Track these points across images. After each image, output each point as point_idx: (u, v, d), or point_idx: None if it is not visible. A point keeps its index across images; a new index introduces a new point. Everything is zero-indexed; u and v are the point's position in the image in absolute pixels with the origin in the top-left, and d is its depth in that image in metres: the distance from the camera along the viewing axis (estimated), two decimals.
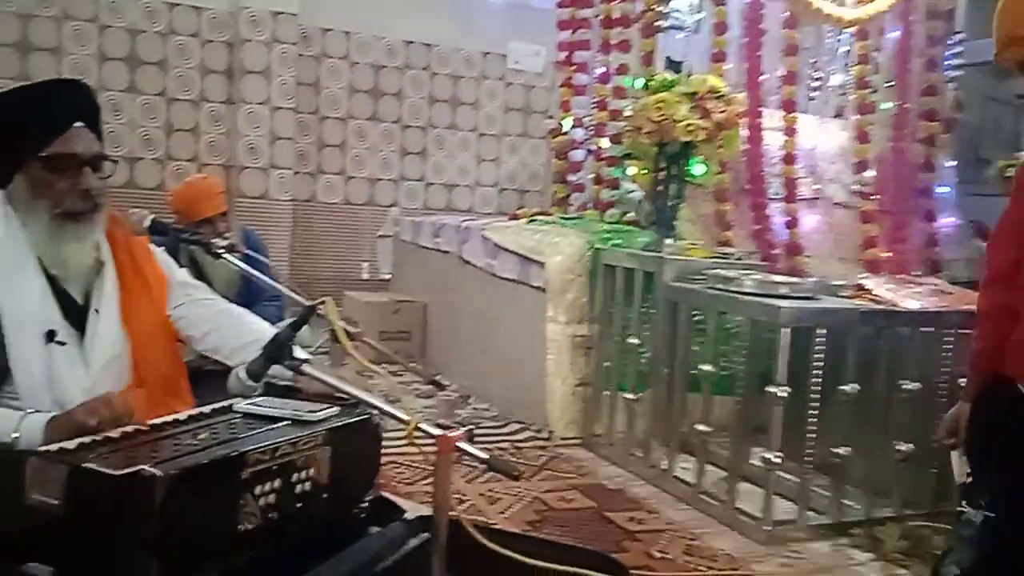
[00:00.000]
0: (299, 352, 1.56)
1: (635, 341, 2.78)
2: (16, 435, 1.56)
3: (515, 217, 3.75)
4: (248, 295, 2.71)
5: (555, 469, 2.75)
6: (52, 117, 1.74)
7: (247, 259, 3.31)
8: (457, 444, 1.36)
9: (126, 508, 1.26)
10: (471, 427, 1.41)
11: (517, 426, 3.03)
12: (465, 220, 4.02)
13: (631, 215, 3.35)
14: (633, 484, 2.66)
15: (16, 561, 1.33)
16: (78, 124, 1.76)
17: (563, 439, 3.01)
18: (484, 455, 1.37)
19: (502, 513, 2.32)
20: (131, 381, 1.93)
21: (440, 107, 5.55)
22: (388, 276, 5.00)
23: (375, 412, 1.77)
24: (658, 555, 2.14)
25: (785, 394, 2.29)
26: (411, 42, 5.39)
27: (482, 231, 3.53)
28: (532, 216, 3.64)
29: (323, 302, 1.47)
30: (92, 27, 4.56)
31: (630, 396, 2.80)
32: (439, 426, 1.39)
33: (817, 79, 4.14)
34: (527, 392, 3.09)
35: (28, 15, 4.41)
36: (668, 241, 2.80)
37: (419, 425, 1.37)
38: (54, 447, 1.38)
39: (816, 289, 2.58)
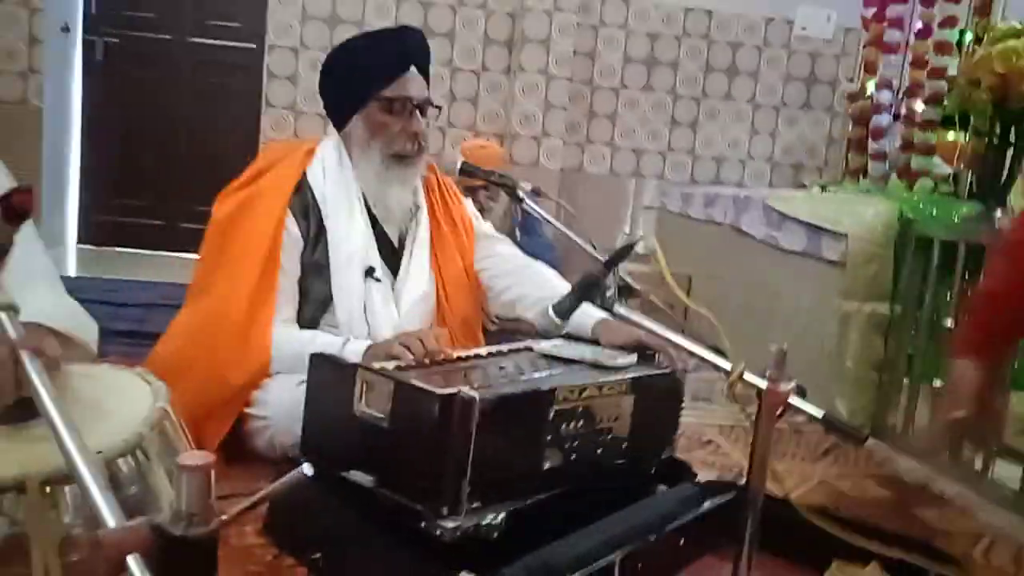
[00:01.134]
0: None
1: (949, 324, 2.46)
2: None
3: (802, 186, 3.49)
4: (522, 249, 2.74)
5: (842, 455, 2.51)
6: (392, 61, 1.84)
7: (527, 219, 3.38)
8: (788, 399, 1.25)
9: (445, 426, 1.29)
10: (800, 383, 1.28)
11: None
12: (744, 191, 3.81)
13: (945, 187, 2.98)
14: (937, 481, 2.36)
15: (342, 468, 1.41)
16: (412, 69, 1.86)
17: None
18: (818, 412, 1.24)
19: (787, 492, 2.15)
20: (435, 321, 2.01)
21: (716, 76, 5.33)
22: (642, 248, 4.90)
23: (678, 367, 1.71)
24: (980, 559, 1.87)
25: None
26: (690, 9, 5.21)
27: (765, 200, 3.31)
28: (824, 186, 3.36)
29: (643, 238, 1.41)
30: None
31: (938, 386, 2.49)
32: (765, 378, 1.27)
33: None
34: (810, 374, 2.84)
35: None
36: (998, 215, 2.44)
37: (744, 375, 1.27)
38: (378, 365, 1.45)
39: None
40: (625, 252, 1.38)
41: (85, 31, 4.97)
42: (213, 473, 0.64)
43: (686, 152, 5.38)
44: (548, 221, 1.84)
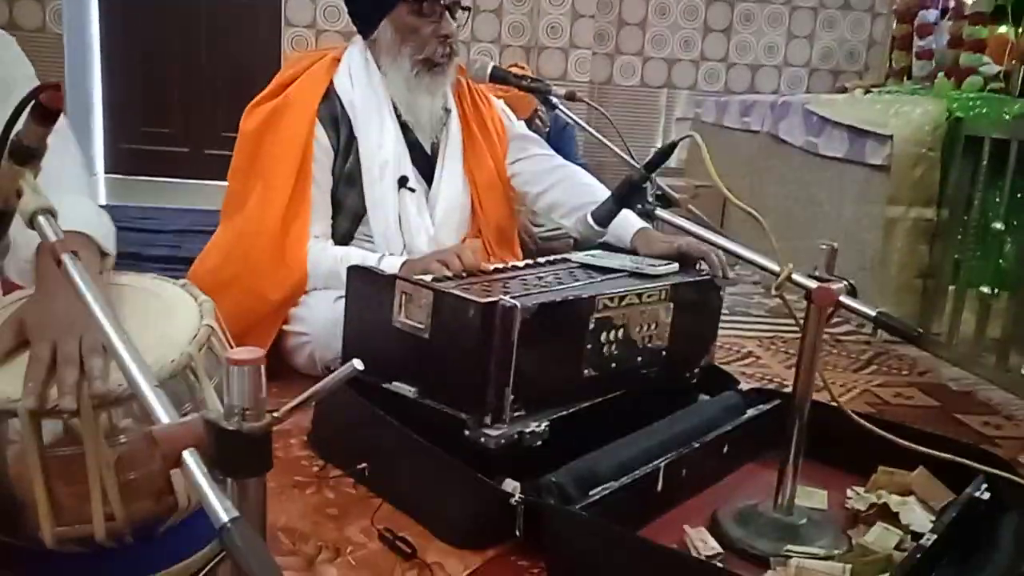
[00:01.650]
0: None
1: (999, 227, 2.38)
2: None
3: (843, 90, 3.36)
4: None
5: (884, 365, 2.48)
6: None
7: (555, 129, 3.30)
8: (839, 298, 1.21)
9: (486, 334, 1.27)
10: (850, 282, 1.24)
11: (836, 318, 2.77)
12: (782, 97, 3.68)
13: (996, 85, 2.85)
14: (984, 388, 2.32)
15: (383, 379, 1.41)
16: None
17: (889, 335, 2.71)
18: (871, 310, 1.20)
19: (831, 399, 2.13)
20: (469, 230, 1.98)
21: None
22: (674, 162, 4.79)
23: (719, 275, 1.67)
24: None
25: None
26: None
27: (805, 105, 3.20)
28: (868, 88, 3.24)
29: (689, 136, 1.35)
30: None
31: (986, 291, 2.43)
32: (814, 278, 1.24)
33: None
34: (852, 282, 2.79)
35: None
36: None
37: (793, 275, 1.23)
38: (417, 277, 1.43)
39: None
40: (665, 155, 1.33)
41: None
42: (264, 367, 0.62)
43: (719, 60, 5.20)
44: (583, 128, 1.78)
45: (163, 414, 0.62)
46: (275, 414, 0.64)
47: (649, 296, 1.49)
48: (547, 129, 3.28)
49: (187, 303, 1.09)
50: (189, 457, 0.59)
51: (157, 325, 1.01)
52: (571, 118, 1.80)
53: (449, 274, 1.50)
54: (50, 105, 0.72)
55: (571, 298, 1.37)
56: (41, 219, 0.74)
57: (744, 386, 1.81)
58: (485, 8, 4.86)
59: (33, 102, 0.72)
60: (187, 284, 1.14)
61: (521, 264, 1.68)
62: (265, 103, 1.86)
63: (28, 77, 1.30)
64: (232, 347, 1.13)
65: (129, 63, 5.01)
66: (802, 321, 1.25)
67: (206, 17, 5.00)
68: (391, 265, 1.71)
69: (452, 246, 1.70)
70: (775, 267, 1.25)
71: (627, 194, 1.39)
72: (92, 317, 0.68)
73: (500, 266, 1.63)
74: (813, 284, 1.21)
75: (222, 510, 0.56)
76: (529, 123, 2.97)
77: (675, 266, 1.64)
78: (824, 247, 1.24)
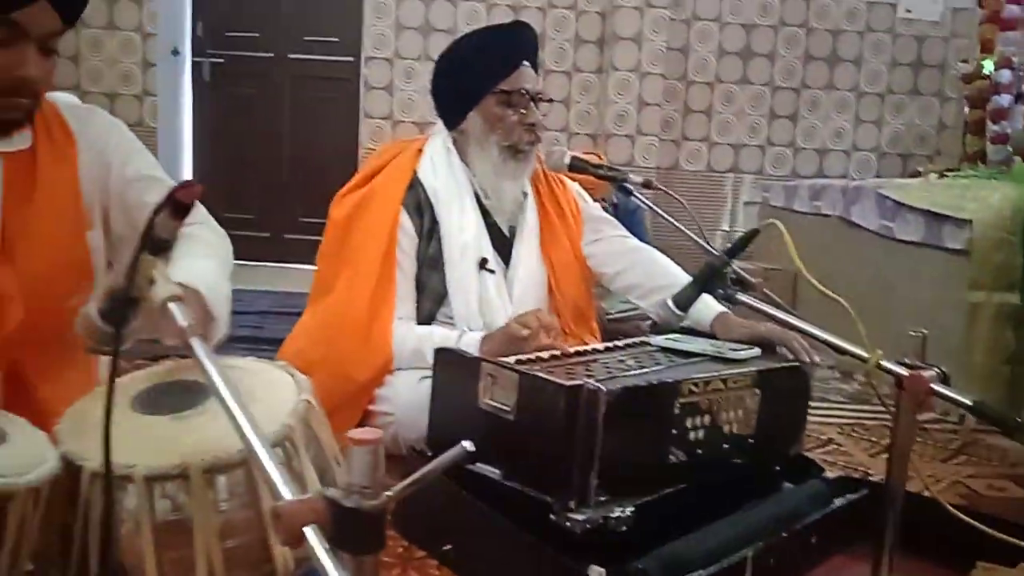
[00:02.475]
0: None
1: None
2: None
3: (916, 174, 3.34)
4: None
5: (974, 454, 2.39)
6: (507, 55, 1.87)
7: (622, 215, 3.35)
8: (931, 386, 1.19)
9: (571, 418, 1.28)
10: (941, 369, 1.22)
11: None
12: (854, 181, 3.68)
13: None
14: None
15: (468, 460, 1.43)
16: (525, 63, 1.88)
17: (978, 424, 2.61)
18: (967, 399, 1.18)
19: (922, 489, 2.05)
20: (547, 310, 2.01)
21: (816, 66, 5.17)
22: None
23: (804, 360, 1.65)
24: None
25: None
26: None
27: (878, 189, 3.18)
28: (942, 172, 3.22)
29: (771, 223, 1.37)
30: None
31: None
32: (904, 365, 1.22)
33: None
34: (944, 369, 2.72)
35: None
36: None
37: (881, 362, 1.22)
38: (502, 359, 1.46)
39: None
40: (747, 241, 1.35)
41: (193, 53, 5.21)
42: (382, 448, 0.65)
43: (787, 145, 5.24)
44: (661, 215, 1.81)
45: (285, 490, 0.65)
46: (388, 493, 0.66)
47: (735, 381, 1.48)
48: (615, 211, 3.33)
49: (286, 380, 1.15)
50: (311, 533, 0.62)
51: (261, 400, 1.05)
52: (648, 205, 1.84)
53: (525, 333, 1.53)
54: (185, 200, 0.78)
55: (656, 382, 1.38)
56: (171, 306, 0.79)
57: (828, 474, 1.77)
58: (553, 99, 5.01)
59: (170, 199, 0.78)
60: (286, 365, 1.20)
61: (601, 347, 1.69)
62: (353, 192, 1.95)
63: (119, 142, 1.44)
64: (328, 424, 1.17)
65: (215, 153, 5.30)
66: (893, 409, 1.23)
67: (289, 110, 5.27)
68: (471, 341, 1.75)
69: (529, 310, 1.74)
70: (863, 353, 1.24)
71: (708, 279, 1.41)
72: (218, 395, 0.72)
73: (581, 348, 1.65)
74: (904, 371, 1.20)
75: None
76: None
77: (757, 351, 1.64)
78: (913, 334, 1.23)
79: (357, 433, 0.64)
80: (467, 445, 0.65)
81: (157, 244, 0.81)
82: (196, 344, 0.76)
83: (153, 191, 1.44)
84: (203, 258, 1.21)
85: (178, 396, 1.09)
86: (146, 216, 1.30)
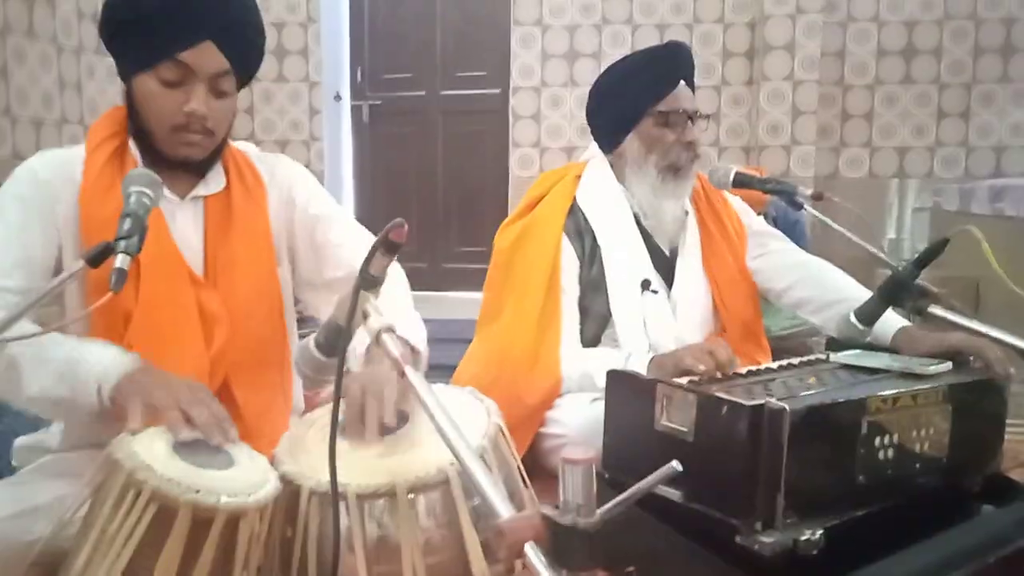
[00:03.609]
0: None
1: None
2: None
3: None
4: None
5: None
6: (664, 76, 1.89)
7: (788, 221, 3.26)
8: None
9: (754, 438, 1.27)
10: None
11: None
12: None
13: None
14: None
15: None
16: (682, 83, 1.89)
17: None
18: None
19: None
20: (714, 328, 1.99)
21: (988, 58, 4.83)
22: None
23: (999, 373, 1.55)
24: None
25: None
26: None
27: None
28: None
29: (964, 229, 1.31)
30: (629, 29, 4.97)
31: None
32: None
33: None
34: None
35: None
36: None
37: None
38: (678, 380, 1.46)
39: None
40: (938, 250, 1.29)
41: (352, 97, 5.54)
42: (594, 469, 0.68)
43: (958, 145, 4.91)
44: (832, 226, 1.76)
45: (504, 508, 0.69)
46: (601, 511, 0.69)
47: (925, 398, 1.41)
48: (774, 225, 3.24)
49: (475, 405, 1.20)
50: (530, 550, 0.66)
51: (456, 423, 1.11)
52: (820, 218, 1.79)
53: (703, 369, 1.52)
54: (397, 240, 0.85)
55: (840, 400, 1.33)
56: (385, 337, 0.86)
57: None
58: (708, 113, 4.95)
59: (384, 238, 0.85)
60: (473, 390, 1.26)
61: (775, 365, 1.66)
62: (516, 221, 2.02)
63: (303, 185, 1.58)
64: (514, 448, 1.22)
65: (375, 189, 5.59)
66: None
67: (442, 144, 5.49)
68: (639, 363, 1.75)
69: (702, 342, 1.72)
70: None
71: (895, 291, 1.36)
72: (430, 417, 0.78)
73: (755, 368, 1.63)
74: None
75: None
76: None
77: (948, 364, 1.55)
78: None
79: (571, 453, 0.68)
80: (676, 465, 0.67)
81: (370, 280, 0.89)
82: (410, 372, 0.82)
83: (335, 229, 1.57)
84: (395, 294, 1.31)
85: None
86: (332, 253, 1.42)
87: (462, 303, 4.58)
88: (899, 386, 1.42)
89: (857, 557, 1.28)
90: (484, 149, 5.40)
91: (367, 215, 5.58)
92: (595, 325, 1.95)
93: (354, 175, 5.64)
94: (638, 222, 1.95)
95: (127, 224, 1.13)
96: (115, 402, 1.15)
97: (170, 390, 1.13)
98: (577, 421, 1.78)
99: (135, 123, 1.42)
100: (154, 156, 1.42)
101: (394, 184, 5.57)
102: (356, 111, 5.54)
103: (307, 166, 1.68)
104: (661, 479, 0.67)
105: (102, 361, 1.19)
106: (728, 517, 1.28)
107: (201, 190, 1.47)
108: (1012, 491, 1.63)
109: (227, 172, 1.50)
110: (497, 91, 5.32)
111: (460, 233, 5.45)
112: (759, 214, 2.96)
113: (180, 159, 1.41)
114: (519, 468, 1.21)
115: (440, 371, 2.09)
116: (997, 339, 1.27)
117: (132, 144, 1.43)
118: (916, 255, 1.32)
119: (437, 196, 5.54)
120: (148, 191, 1.18)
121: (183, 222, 1.45)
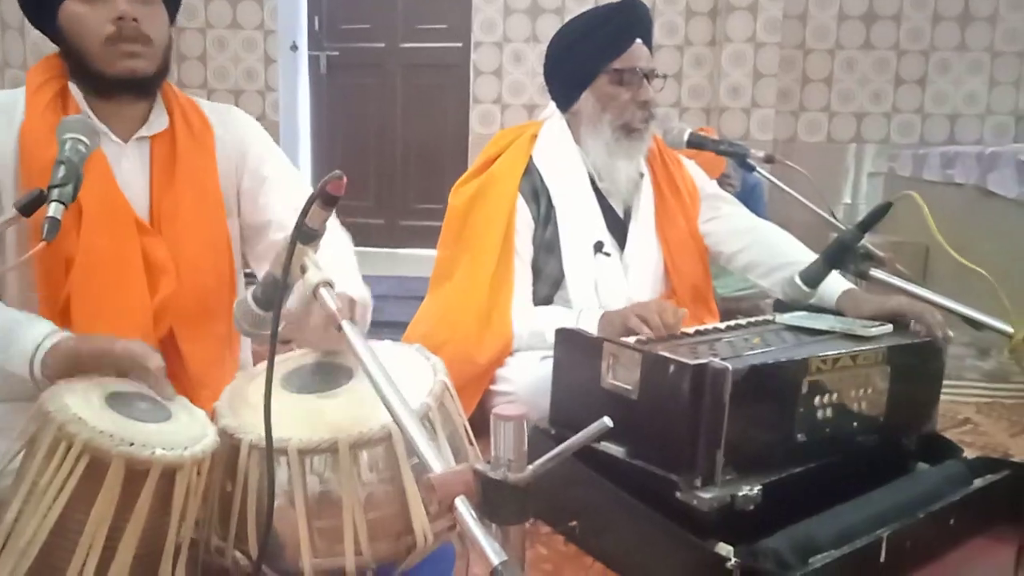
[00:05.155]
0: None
1: None
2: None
3: None
4: None
5: None
6: (620, 33, 1.87)
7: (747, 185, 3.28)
8: None
9: (697, 396, 1.28)
10: None
11: None
12: (990, 147, 3.47)
13: None
14: None
15: (592, 440, 1.45)
16: (638, 40, 1.87)
17: None
18: None
19: None
20: (664, 290, 2.00)
21: (946, 26, 4.87)
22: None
23: (938, 336, 1.59)
24: None
25: None
26: None
27: (1020, 155, 2.99)
28: None
29: (906, 195, 1.33)
30: None
31: None
32: None
33: None
34: None
35: None
36: None
37: None
38: (624, 339, 1.47)
39: None
40: (881, 214, 1.31)
41: (310, 47, 5.40)
42: (526, 423, 0.68)
43: (914, 112, 4.96)
44: (784, 189, 1.77)
45: (436, 463, 0.68)
46: (532, 466, 0.69)
47: (864, 359, 1.44)
48: (736, 189, 3.26)
49: (422, 363, 1.20)
50: (460, 504, 0.66)
51: (401, 380, 1.11)
52: (770, 180, 1.80)
53: (648, 332, 1.53)
54: (335, 192, 0.83)
55: (783, 360, 1.36)
56: (323, 291, 0.85)
57: (966, 455, 1.69)
58: (664, 73, 4.92)
59: (322, 190, 0.83)
60: (420, 348, 1.25)
61: (723, 326, 1.68)
62: (471, 181, 2.00)
63: (255, 138, 1.55)
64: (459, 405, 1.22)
65: (332, 142, 5.49)
66: None
67: (401, 98, 5.40)
68: (589, 319, 1.76)
69: (651, 301, 1.73)
70: (1007, 328, 1.18)
71: (839, 254, 1.38)
72: (366, 373, 0.77)
73: (703, 328, 1.64)
74: None
75: (493, 553, 0.62)
76: (720, 183, 2.97)
77: (889, 327, 1.58)
78: None
79: (503, 409, 0.68)
80: (607, 421, 0.67)
81: (308, 234, 0.87)
82: (347, 327, 0.81)
83: (286, 187, 1.54)
84: (337, 251, 1.29)
85: (324, 377, 1.16)
86: (276, 218, 1.39)
87: (419, 260, 4.54)
88: (840, 347, 1.45)
89: (794, 513, 1.32)
90: (444, 104, 5.32)
91: (324, 170, 5.42)
92: (548, 286, 1.95)
93: (311, 128, 5.53)
94: (593, 183, 1.95)
95: (61, 172, 1.09)
96: (52, 381, 1.12)
97: (111, 359, 1.11)
98: (526, 379, 1.79)
99: (72, 58, 1.37)
100: (98, 93, 1.38)
101: (352, 138, 5.47)
102: (314, 61, 5.41)
103: (262, 117, 1.64)
104: (592, 436, 0.67)
105: (35, 340, 1.16)
106: (669, 473, 1.30)
107: (145, 131, 1.43)
108: (946, 449, 1.68)
109: (171, 113, 1.46)
110: (458, 45, 5.22)
111: (418, 190, 5.39)
112: (717, 178, 2.98)
113: (126, 76, 1.36)
114: (465, 426, 1.21)
115: (397, 328, 2.08)
116: (936, 303, 1.29)
117: (73, 87, 1.38)
118: (861, 219, 1.33)
119: (395, 151, 5.46)
120: (84, 138, 1.14)
121: (128, 166, 1.41)
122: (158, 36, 1.39)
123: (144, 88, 1.40)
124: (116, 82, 1.36)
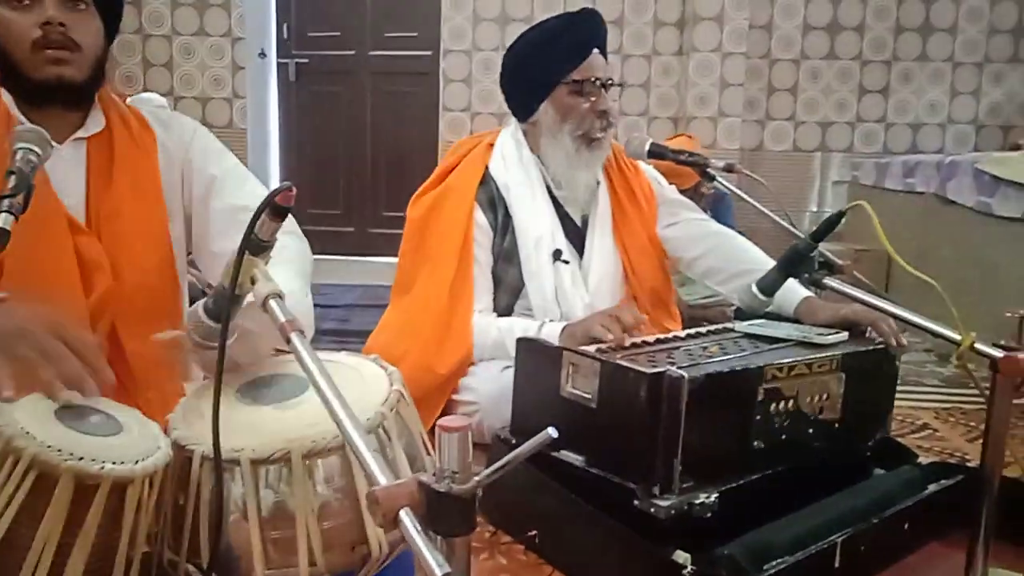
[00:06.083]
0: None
1: None
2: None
3: (1016, 147, 3.19)
4: None
5: None
6: (577, 44, 1.88)
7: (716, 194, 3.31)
8: None
9: (654, 405, 1.29)
10: None
11: None
12: (949, 156, 3.54)
13: None
14: None
15: (552, 448, 1.46)
16: (595, 51, 1.89)
17: None
18: None
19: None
20: (624, 296, 2.02)
21: (908, 37, 4.97)
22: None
23: (892, 344, 1.62)
24: None
25: None
26: None
27: (976, 164, 3.06)
28: None
29: (858, 204, 1.35)
30: None
31: None
32: (999, 347, 1.19)
33: None
34: None
35: None
36: None
37: (975, 344, 1.18)
38: (584, 348, 1.48)
39: None
40: (833, 224, 1.33)
41: (278, 55, 5.37)
42: (471, 435, 0.69)
43: (877, 121, 5.05)
44: (743, 198, 1.79)
45: (381, 476, 0.69)
46: (477, 478, 0.70)
47: (820, 366, 1.47)
48: (711, 197, 3.29)
49: (378, 373, 1.20)
50: (405, 516, 0.66)
51: (356, 391, 1.11)
52: (730, 189, 1.82)
53: (611, 337, 1.54)
54: (284, 203, 0.83)
55: (739, 368, 1.37)
56: (272, 303, 0.85)
57: (922, 460, 1.72)
58: (633, 83, 4.97)
59: (270, 202, 0.83)
60: (377, 358, 1.25)
61: (683, 334, 1.69)
62: (429, 191, 2.00)
63: (202, 144, 1.55)
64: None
65: (301, 150, 5.47)
66: (987, 392, 1.20)
67: (371, 106, 5.39)
68: (552, 332, 1.77)
69: (611, 307, 1.74)
70: (955, 335, 1.21)
71: (794, 263, 1.40)
72: (316, 386, 0.77)
73: (663, 336, 1.66)
74: (999, 353, 1.16)
75: (436, 566, 0.62)
76: (695, 191, 2.99)
77: (844, 335, 1.61)
78: (1010, 315, 1.19)
79: (447, 421, 0.68)
80: (551, 432, 0.68)
81: (257, 245, 0.87)
82: (295, 339, 0.81)
83: (237, 190, 1.53)
84: (286, 268, 1.29)
85: (278, 388, 1.15)
86: (228, 219, 1.38)
87: (389, 268, 4.51)
88: (796, 355, 1.47)
89: (752, 519, 1.33)
90: (414, 112, 5.32)
91: (292, 177, 5.44)
92: (508, 295, 1.95)
93: (280, 136, 5.50)
94: (550, 192, 1.96)
95: (11, 182, 1.08)
96: None
97: (32, 340, 1.06)
98: (489, 388, 1.79)
99: (2, 64, 1.36)
100: (28, 97, 1.37)
101: (321, 146, 5.45)
102: (282, 69, 5.39)
103: (229, 125, 1.63)
104: (536, 447, 0.68)
105: None
106: (627, 481, 1.31)
107: (81, 133, 1.43)
108: (901, 454, 1.71)
109: (108, 115, 1.47)
110: (428, 53, 5.23)
111: (387, 198, 5.38)
112: (692, 187, 3.00)
113: (53, 81, 1.35)
114: (422, 435, 1.21)
115: (365, 336, 2.08)
116: (888, 311, 1.31)
117: (5, 93, 1.38)
118: (815, 228, 1.35)
119: (365, 159, 5.44)
120: (36, 148, 1.13)
121: (63, 168, 1.39)
122: (88, 43, 1.38)
123: (74, 95, 1.40)
124: (44, 87, 1.36)
